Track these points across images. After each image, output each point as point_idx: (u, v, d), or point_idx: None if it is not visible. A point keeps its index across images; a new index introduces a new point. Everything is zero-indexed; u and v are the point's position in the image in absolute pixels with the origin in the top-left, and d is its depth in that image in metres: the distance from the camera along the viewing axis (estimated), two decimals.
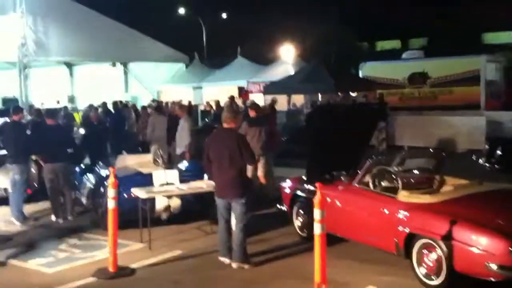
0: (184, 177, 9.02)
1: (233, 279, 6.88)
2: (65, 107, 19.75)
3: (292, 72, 21.03)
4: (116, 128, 14.57)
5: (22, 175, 9.80)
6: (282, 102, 20.03)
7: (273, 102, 17.42)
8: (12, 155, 9.81)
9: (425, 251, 6.37)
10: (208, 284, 6.81)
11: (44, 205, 10.53)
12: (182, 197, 8.75)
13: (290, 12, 36.98)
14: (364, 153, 8.86)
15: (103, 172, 9.48)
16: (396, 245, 6.68)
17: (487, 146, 12.75)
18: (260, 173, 10.13)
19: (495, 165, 12.17)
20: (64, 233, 8.98)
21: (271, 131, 11.04)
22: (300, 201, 8.38)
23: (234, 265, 7.17)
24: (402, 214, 6.68)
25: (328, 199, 7.30)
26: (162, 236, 8.48)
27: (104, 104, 17.93)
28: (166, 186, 8.67)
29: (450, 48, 26.45)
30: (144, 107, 18.38)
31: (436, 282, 6.24)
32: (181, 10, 34.76)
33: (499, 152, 12.31)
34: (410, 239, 6.53)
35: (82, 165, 10.80)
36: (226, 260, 7.28)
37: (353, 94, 20.89)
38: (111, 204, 7.04)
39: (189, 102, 21.48)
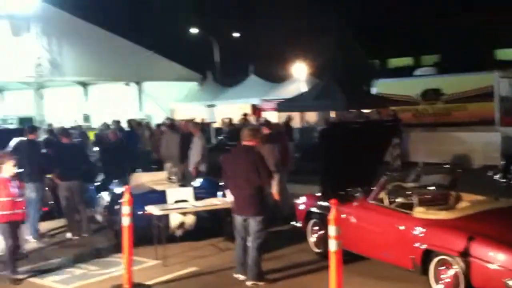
0: (198, 194, 9.04)
1: None
2: (80, 126, 19.92)
3: (304, 90, 21.07)
4: (130, 146, 14.66)
5: (37, 193, 9.87)
6: (295, 120, 20.07)
7: (289, 119, 17.46)
8: (28, 173, 9.87)
9: (442, 268, 6.32)
10: None
11: (60, 222, 10.58)
12: (196, 214, 8.76)
13: (302, 30, 37.17)
14: (378, 169, 8.84)
15: (118, 190, 9.53)
16: (413, 262, 6.63)
17: (502, 162, 12.66)
18: (274, 190, 10.11)
19: (511, 181, 12.08)
20: (80, 250, 9.01)
21: (284, 148, 11.05)
22: (314, 217, 8.36)
23: (249, 282, 7.14)
24: (418, 230, 6.63)
25: (343, 216, 7.28)
26: (177, 253, 8.48)
27: (117, 122, 18.07)
28: (181, 203, 8.69)
29: (463, 65, 26.38)
30: (158, 125, 18.50)
31: None
32: (194, 30, 35.05)
33: None
34: (427, 255, 6.48)
35: (97, 183, 10.86)
36: (240, 277, 7.26)
37: (367, 111, 20.86)
38: (126, 221, 7.07)
39: (202, 120, 21.58)
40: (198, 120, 19.50)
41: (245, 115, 21.05)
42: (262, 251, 7.24)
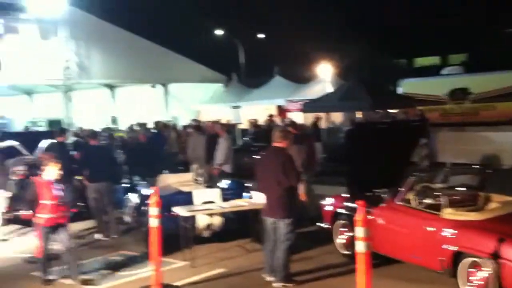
0: (226, 196, 9.09)
1: None
2: (108, 128, 20.16)
3: (329, 90, 21.00)
4: (157, 148, 14.77)
5: (67, 195, 10.00)
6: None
7: (317, 119, 17.37)
8: None
9: (472, 270, 6.24)
10: None
11: (89, 223, 10.72)
12: (224, 215, 8.80)
13: (327, 31, 37.03)
14: (405, 170, 8.76)
15: (146, 191, 9.62)
16: (442, 264, 6.56)
17: None
18: (300, 191, 10.10)
19: None
20: (109, 251, 9.14)
21: (310, 149, 11.02)
22: (342, 219, 8.32)
23: (277, 284, 7.14)
24: (447, 232, 6.56)
25: (370, 217, 7.23)
26: (204, 254, 8.53)
27: (143, 125, 18.22)
28: (208, 204, 8.74)
29: (491, 63, 26.00)
30: (184, 127, 18.61)
31: None
32: (219, 32, 35.20)
33: None
34: (457, 257, 6.40)
35: (125, 184, 10.98)
36: (268, 278, 7.27)
37: (393, 111, 20.70)
38: (154, 222, 7.14)
39: (228, 121, 21.66)
40: (223, 121, 19.61)
41: (271, 116, 21.06)
42: (291, 253, 7.24)
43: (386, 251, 7.47)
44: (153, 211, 7.14)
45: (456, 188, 7.65)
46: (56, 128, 12.54)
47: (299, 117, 19.86)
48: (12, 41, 19.40)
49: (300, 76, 28.90)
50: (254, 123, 20.50)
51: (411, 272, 7.19)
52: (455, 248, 6.40)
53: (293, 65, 33.21)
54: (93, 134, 11.34)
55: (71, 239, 7.76)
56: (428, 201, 7.35)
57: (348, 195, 8.31)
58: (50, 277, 7.72)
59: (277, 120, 20.74)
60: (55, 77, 20.68)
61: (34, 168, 11.40)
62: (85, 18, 21.97)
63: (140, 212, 9.36)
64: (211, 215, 8.75)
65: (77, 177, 10.72)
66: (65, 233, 7.65)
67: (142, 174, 11.11)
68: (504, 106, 19.66)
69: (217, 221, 8.86)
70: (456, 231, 6.48)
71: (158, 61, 23.45)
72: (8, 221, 10.79)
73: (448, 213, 6.77)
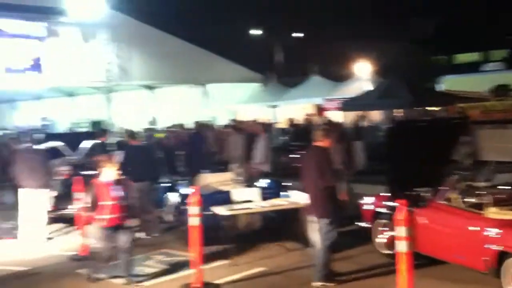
0: (265, 195, 9.13)
1: None
2: (149, 128, 20.45)
3: (367, 89, 20.80)
4: (196, 148, 14.90)
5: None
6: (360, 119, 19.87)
7: (359, 118, 17.15)
8: None
9: None
10: None
11: (131, 222, 10.88)
12: (263, 214, 8.84)
13: (365, 29, 36.71)
14: (447, 168, 8.63)
15: (187, 190, 9.73)
16: (486, 264, 6.44)
17: None
18: (341, 190, 10.05)
19: None
20: (150, 249, 9.28)
21: (348, 147, 10.96)
22: (383, 218, 8.26)
23: (318, 283, 7.12)
24: (491, 231, 6.45)
25: (411, 216, 7.15)
26: (245, 253, 8.59)
27: (180, 125, 18.40)
28: (247, 204, 8.79)
29: None
30: (224, 127, 18.72)
31: None
32: (256, 31, 35.31)
33: None
34: (501, 257, 6.28)
35: (165, 184, 11.12)
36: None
37: (433, 109, 20.39)
38: (195, 221, 7.22)
39: (267, 121, 21.71)
40: (261, 120, 19.65)
41: (309, 115, 21.01)
42: (331, 252, 7.22)
43: (428, 251, 7.38)
44: (194, 210, 7.23)
45: (500, 187, 7.51)
46: (98, 129, 12.80)
47: (338, 116, 19.74)
48: (54, 44, 19.86)
49: (338, 74, 28.72)
50: (291, 122, 20.47)
51: (455, 272, 7.09)
52: (500, 248, 6.29)
53: (331, 64, 33.04)
54: (132, 134, 11.51)
55: (130, 240, 7.71)
56: (471, 200, 7.23)
57: (388, 194, 8.23)
58: (100, 276, 7.79)
59: (316, 119, 20.68)
60: (97, 79, 21.10)
61: (78, 168, 11.73)
62: (125, 21, 22.34)
63: (182, 211, 9.48)
64: (251, 214, 8.80)
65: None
66: (125, 233, 7.66)
67: (182, 174, 11.24)
68: None
69: (257, 220, 8.90)
70: (500, 231, 6.36)
71: (197, 62, 23.67)
72: (53, 220, 11.07)
73: (492, 212, 6.65)
